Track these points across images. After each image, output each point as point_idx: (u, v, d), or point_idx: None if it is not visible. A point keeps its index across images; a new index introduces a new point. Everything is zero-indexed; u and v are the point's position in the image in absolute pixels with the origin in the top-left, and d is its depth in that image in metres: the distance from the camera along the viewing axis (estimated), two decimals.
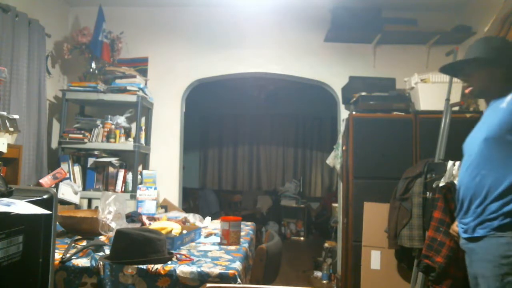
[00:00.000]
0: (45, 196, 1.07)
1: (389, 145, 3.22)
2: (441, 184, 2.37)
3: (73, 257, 1.57)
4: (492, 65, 1.73)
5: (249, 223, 2.66)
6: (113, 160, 3.46)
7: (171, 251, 1.71)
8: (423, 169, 2.86)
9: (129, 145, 3.46)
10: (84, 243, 1.79)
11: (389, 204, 3.07)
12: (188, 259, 1.63)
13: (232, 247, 1.92)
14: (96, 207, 2.12)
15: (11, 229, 0.94)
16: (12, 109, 2.80)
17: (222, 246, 1.94)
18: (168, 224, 2.03)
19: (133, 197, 3.26)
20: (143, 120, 3.70)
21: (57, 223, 1.93)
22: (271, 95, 6.75)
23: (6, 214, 0.90)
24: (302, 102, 7.09)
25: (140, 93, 3.48)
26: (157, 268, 1.51)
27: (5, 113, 2.49)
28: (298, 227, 6.93)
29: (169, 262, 1.57)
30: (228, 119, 7.55)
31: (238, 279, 1.49)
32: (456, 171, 2.35)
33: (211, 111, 7.43)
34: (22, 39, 2.95)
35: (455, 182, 2.17)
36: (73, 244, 1.74)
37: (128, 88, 3.45)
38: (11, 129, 2.49)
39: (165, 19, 3.90)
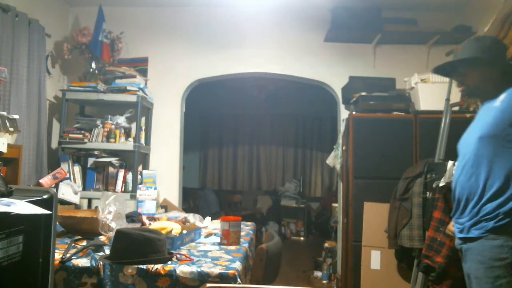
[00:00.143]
0: (45, 196, 1.07)
1: (389, 145, 3.22)
2: (441, 184, 2.37)
3: (73, 257, 1.57)
4: (483, 64, 1.74)
5: (249, 223, 2.66)
6: (113, 160, 3.46)
7: (171, 251, 1.71)
8: (423, 169, 2.86)
9: (129, 145, 3.46)
10: (84, 243, 1.79)
11: (389, 204, 3.07)
12: (188, 259, 1.63)
13: (232, 247, 1.92)
14: (96, 207, 2.12)
15: (11, 229, 0.94)
16: (12, 109, 2.80)
17: (222, 246, 1.94)
18: (168, 224, 2.03)
19: (133, 197, 3.26)
20: (143, 120, 3.70)
21: (57, 223, 1.93)
22: (271, 95, 6.75)
23: (6, 214, 0.90)
24: (302, 102, 7.09)
25: (140, 93, 3.48)
26: (157, 268, 1.51)
27: (5, 113, 2.49)
28: (298, 227, 6.93)
29: (169, 262, 1.57)
30: (228, 119, 7.55)
31: (238, 279, 1.49)
32: None
33: (211, 111, 7.43)
34: (22, 39, 2.95)
35: None
36: (73, 244, 1.74)
37: (128, 88, 3.45)
38: (11, 129, 2.49)
39: (165, 19, 3.90)
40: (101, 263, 1.54)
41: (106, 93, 3.42)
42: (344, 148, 3.50)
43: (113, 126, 3.45)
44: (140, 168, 3.64)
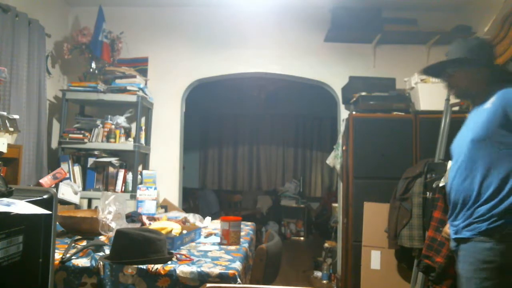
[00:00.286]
0: (45, 196, 1.07)
1: (389, 145, 3.22)
2: (441, 184, 2.37)
3: (73, 257, 1.57)
4: (471, 65, 1.74)
5: (249, 223, 2.66)
6: (113, 160, 3.46)
7: (171, 251, 1.71)
8: (423, 169, 2.86)
9: (129, 145, 3.46)
10: (84, 243, 1.79)
11: (389, 204, 3.07)
12: (188, 259, 1.63)
13: (232, 247, 1.92)
14: (96, 207, 2.12)
15: (11, 229, 0.94)
16: (12, 109, 2.80)
17: (222, 246, 1.94)
18: (168, 224, 2.03)
19: (133, 197, 3.26)
20: (143, 120, 3.70)
21: (57, 223, 1.93)
22: (271, 95, 6.75)
23: (6, 214, 0.90)
24: (302, 102, 7.09)
25: (140, 93, 3.48)
26: (157, 268, 1.51)
27: (5, 113, 2.49)
28: (298, 227, 6.93)
29: (169, 262, 1.57)
30: (228, 119, 7.55)
31: (238, 279, 1.49)
32: None
33: (211, 111, 7.43)
34: (22, 39, 2.95)
35: None
36: (73, 244, 1.74)
37: (128, 88, 3.45)
38: (11, 129, 2.49)
39: (165, 19, 3.90)
40: (101, 263, 1.54)
41: (106, 93, 3.42)
42: (344, 148, 3.50)
43: (113, 126, 3.45)
44: (140, 168, 3.64)
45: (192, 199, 6.42)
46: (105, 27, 3.48)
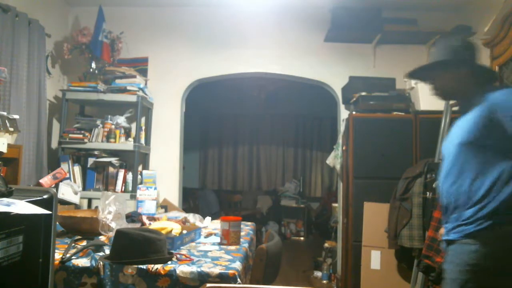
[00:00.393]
0: (45, 196, 1.07)
1: (389, 145, 3.22)
2: None
3: (73, 257, 1.57)
4: (453, 67, 1.74)
5: (249, 223, 2.66)
6: (113, 160, 3.46)
7: (171, 251, 1.71)
8: (423, 169, 2.87)
9: (129, 145, 3.46)
10: (84, 243, 1.79)
11: (389, 204, 3.07)
12: (188, 259, 1.63)
13: (232, 247, 1.92)
14: (96, 207, 2.12)
15: (11, 229, 0.94)
16: (12, 109, 2.80)
17: (222, 246, 1.94)
18: (168, 224, 2.03)
19: (133, 197, 3.26)
20: (143, 120, 3.70)
21: (57, 223, 1.93)
22: (271, 95, 6.75)
23: (6, 214, 0.90)
24: (302, 102, 7.09)
25: (140, 93, 3.48)
26: (157, 268, 1.51)
27: (5, 113, 2.49)
28: (298, 227, 6.93)
29: (169, 262, 1.57)
30: (228, 119, 7.55)
31: (238, 279, 1.49)
32: None
33: (211, 111, 7.43)
34: (22, 39, 2.95)
35: None
36: (73, 244, 1.74)
37: (128, 88, 3.45)
38: (11, 129, 2.49)
39: (165, 19, 3.90)
40: (101, 263, 1.54)
41: (106, 93, 3.42)
42: (344, 148, 3.50)
43: (113, 126, 3.45)
44: (140, 168, 3.64)
45: (192, 199, 6.42)
46: (105, 27, 3.48)
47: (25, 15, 2.99)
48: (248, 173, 7.55)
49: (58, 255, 1.54)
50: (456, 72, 1.74)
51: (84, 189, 3.40)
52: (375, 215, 3.14)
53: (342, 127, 3.60)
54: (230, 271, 1.50)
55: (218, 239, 2.05)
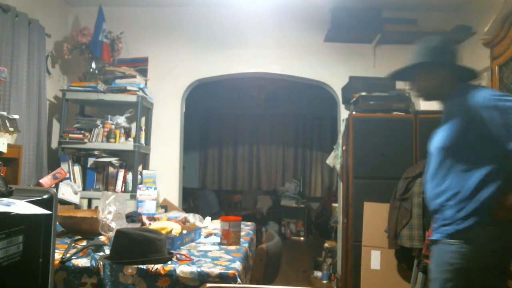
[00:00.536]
0: (45, 196, 1.07)
1: (389, 145, 3.22)
2: None
3: (73, 257, 1.57)
4: (433, 67, 1.75)
5: (249, 223, 2.66)
6: (113, 160, 3.46)
7: (171, 251, 1.71)
8: (423, 169, 2.85)
9: (129, 145, 3.46)
10: (84, 243, 1.79)
11: (389, 204, 3.07)
12: (188, 259, 1.63)
13: (232, 247, 1.92)
14: (96, 207, 2.12)
15: (11, 229, 0.94)
16: (12, 109, 2.80)
17: (222, 246, 1.94)
18: (168, 224, 2.03)
19: (133, 197, 3.26)
20: (143, 120, 3.70)
21: (57, 223, 1.93)
22: (271, 95, 6.75)
23: (6, 214, 0.90)
24: (302, 102, 7.09)
25: (140, 93, 3.48)
26: (157, 268, 1.51)
27: (5, 113, 2.49)
28: (298, 227, 6.93)
29: (169, 262, 1.57)
30: (228, 119, 7.55)
31: (238, 279, 1.49)
32: None
33: (211, 111, 7.43)
34: (22, 39, 2.95)
35: None
36: (73, 244, 1.74)
37: (128, 88, 3.45)
38: (11, 129, 2.49)
39: (165, 19, 3.90)
40: (101, 263, 1.54)
41: (106, 93, 3.42)
42: (344, 148, 3.50)
43: (113, 126, 3.45)
44: (140, 168, 3.64)
45: (192, 199, 6.42)
46: (105, 27, 3.48)
47: (25, 15, 2.99)
48: (248, 173, 7.55)
49: (58, 255, 1.54)
50: (437, 73, 1.75)
51: (84, 189, 3.40)
52: (375, 215, 3.14)
53: (342, 127, 3.60)
54: (230, 271, 1.50)
55: (218, 239, 2.05)
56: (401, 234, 2.84)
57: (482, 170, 1.57)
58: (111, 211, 2.02)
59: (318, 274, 4.27)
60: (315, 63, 3.86)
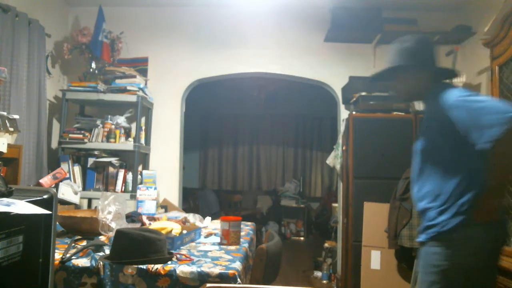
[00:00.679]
0: (45, 196, 1.07)
1: (389, 145, 3.22)
2: None
3: (73, 257, 1.57)
4: (409, 70, 1.75)
5: (249, 223, 2.66)
6: (113, 160, 3.46)
7: (171, 251, 1.71)
8: None
9: (129, 145, 3.46)
10: (84, 243, 1.79)
11: (389, 204, 3.07)
12: (188, 259, 1.63)
13: (232, 247, 1.92)
14: (96, 207, 2.12)
15: (11, 229, 0.94)
16: (12, 109, 2.80)
17: (222, 246, 1.94)
18: (168, 224, 2.03)
19: (133, 197, 3.26)
20: (143, 120, 3.70)
21: (57, 223, 1.93)
22: (271, 95, 6.75)
23: (6, 214, 0.90)
24: (302, 102, 7.09)
25: (140, 93, 3.48)
26: (157, 268, 1.51)
27: (5, 113, 2.49)
28: (298, 227, 6.93)
29: (169, 262, 1.57)
30: (228, 119, 7.55)
31: (238, 279, 1.49)
32: None
33: (211, 111, 7.43)
34: (22, 39, 2.95)
35: None
36: (73, 244, 1.74)
37: (128, 88, 3.45)
38: (11, 129, 2.49)
39: (165, 19, 3.90)
40: (101, 263, 1.54)
41: (106, 93, 3.42)
42: (344, 148, 3.50)
43: (113, 126, 3.45)
44: (140, 168, 3.64)
45: (192, 199, 6.42)
46: (105, 27, 3.48)
47: (25, 15, 2.99)
48: (248, 173, 7.55)
49: (58, 255, 1.54)
50: (413, 74, 1.75)
51: (84, 189, 3.40)
52: (375, 215, 3.14)
53: (342, 127, 3.60)
54: (230, 271, 1.50)
55: (218, 239, 2.05)
56: (401, 234, 2.84)
57: (459, 172, 1.57)
58: (111, 211, 2.02)
59: (318, 274, 4.27)
60: (315, 63, 3.86)
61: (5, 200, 0.96)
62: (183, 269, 1.51)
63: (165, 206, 3.46)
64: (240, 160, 7.55)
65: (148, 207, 2.94)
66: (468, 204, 1.54)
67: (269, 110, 7.34)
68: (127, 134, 3.57)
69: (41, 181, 3.01)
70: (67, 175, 3.24)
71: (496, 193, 1.55)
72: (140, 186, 3.07)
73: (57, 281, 1.50)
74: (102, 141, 3.42)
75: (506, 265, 2.13)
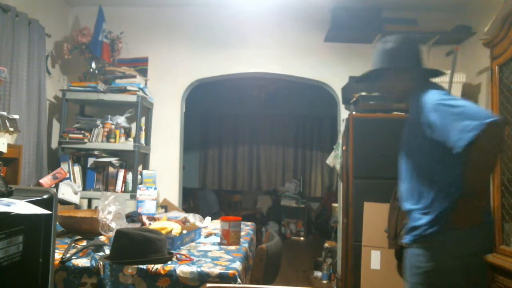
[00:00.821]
0: (45, 196, 1.07)
1: (389, 145, 3.19)
2: None
3: (73, 257, 1.57)
4: (394, 71, 1.75)
5: (249, 223, 2.66)
6: (113, 160, 3.46)
7: (171, 251, 1.71)
8: None
9: (129, 145, 3.46)
10: (84, 243, 1.79)
11: (389, 204, 3.07)
12: (188, 259, 1.63)
13: (232, 247, 1.92)
14: (96, 207, 2.12)
15: (11, 229, 0.94)
16: (12, 109, 2.80)
17: (222, 246, 1.94)
18: (168, 224, 2.03)
19: (133, 197, 3.26)
20: (143, 120, 3.70)
21: (57, 223, 1.93)
22: (271, 95, 6.75)
23: (6, 214, 0.90)
24: (302, 102, 7.09)
25: (140, 93, 3.48)
26: (157, 268, 1.51)
27: (5, 113, 2.49)
28: (298, 227, 6.93)
29: (169, 262, 1.57)
30: (228, 119, 7.55)
31: (238, 279, 1.49)
32: None
33: (211, 111, 7.43)
34: (22, 39, 2.95)
35: None
36: (73, 244, 1.74)
37: (128, 88, 3.45)
38: (11, 129, 2.49)
39: (165, 19, 3.90)
40: (101, 263, 1.54)
41: (106, 93, 3.42)
42: (344, 148, 3.50)
43: (113, 126, 3.46)
44: (140, 168, 3.64)
45: (192, 199, 6.43)
46: (105, 27, 3.48)
47: (25, 15, 2.99)
48: (248, 173, 7.56)
49: (58, 255, 1.54)
50: (397, 76, 1.75)
51: (84, 189, 3.40)
52: (375, 215, 3.14)
53: (342, 127, 3.60)
54: (230, 271, 1.50)
55: (218, 239, 2.05)
56: (401, 234, 2.83)
57: (441, 176, 1.58)
58: (111, 211, 2.02)
59: (318, 274, 4.27)
60: (315, 63, 3.86)
61: (5, 200, 0.96)
62: (183, 269, 1.51)
63: (165, 206, 3.46)
64: (240, 160, 7.56)
65: (148, 207, 2.94)
66: (449, 209, 1.55)
67: (269, 110, 7.34)
68: (127, 134, 3.57)
69: (41, 181, 3.01)
70: (67, 175, 3.24)
71: (474, 197, 1.55)
72: (140, 186, 3.07)
73: (57, 281, 1.50)
74: (102, 141, 3.42)
75: (506, 265, 2.14)
